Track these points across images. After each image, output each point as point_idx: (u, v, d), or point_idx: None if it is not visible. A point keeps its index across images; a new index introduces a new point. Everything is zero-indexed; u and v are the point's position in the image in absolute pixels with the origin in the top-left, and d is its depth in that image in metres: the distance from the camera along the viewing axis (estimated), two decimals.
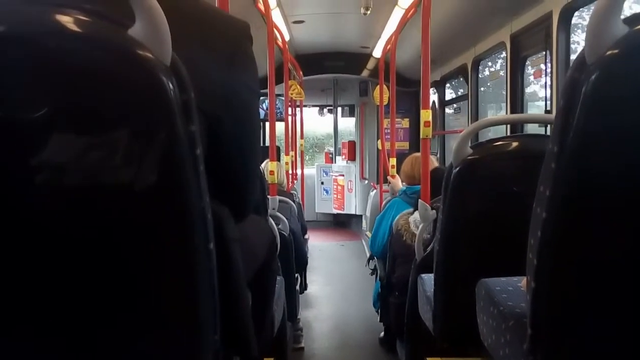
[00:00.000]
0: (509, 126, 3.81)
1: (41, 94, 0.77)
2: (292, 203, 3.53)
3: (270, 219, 2.18)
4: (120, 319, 0.86)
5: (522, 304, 1.17)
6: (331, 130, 9.13)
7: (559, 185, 0.91)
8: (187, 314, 0.88)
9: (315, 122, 9.86)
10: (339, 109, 8.89)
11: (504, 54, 4.20)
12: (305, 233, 4.01)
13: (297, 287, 3.48)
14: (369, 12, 4.39)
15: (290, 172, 5.09)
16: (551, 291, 0.96)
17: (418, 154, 3.42)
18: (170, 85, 0.79)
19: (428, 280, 2.03)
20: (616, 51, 0.83)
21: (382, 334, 3.52)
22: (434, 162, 3.12)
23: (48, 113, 0.77)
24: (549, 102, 3.35)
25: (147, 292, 0.86)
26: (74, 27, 0.77)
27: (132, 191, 0.80)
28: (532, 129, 3.61)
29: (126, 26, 0.78)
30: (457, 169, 1.66)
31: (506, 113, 4.09)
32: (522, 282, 1.28)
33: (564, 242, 0.93)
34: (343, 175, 8.42)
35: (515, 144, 1.74)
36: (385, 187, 4.80)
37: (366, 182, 8.19)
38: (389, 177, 4.32)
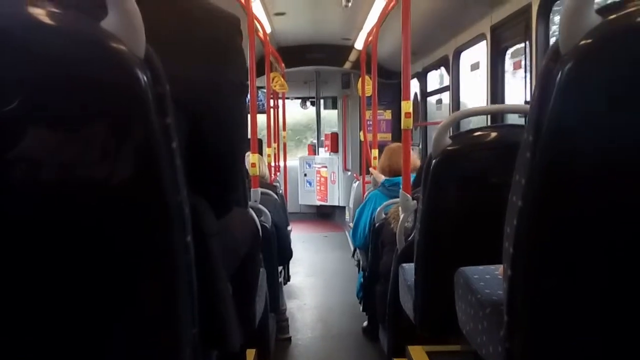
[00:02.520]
0: (489, 117, 3.84)
1: (12, 87, 0.75)
2: (275, 195, 3.52)
3: (252, 212, 2.17)
4: (96, 313, 0.85)
5: (499, 291, 1.18)
6: (311, 121, 9.11)
7: (534, 174, 0.92)
8: (164, 307, 0.88)
9: (297, 113, 9.83)
10: (322, 101, 8.88)
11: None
12: (287, 225, 4.01)
13: (281, 279, 3.49)
14: (350, 3, 4.38)
15: (272, 164, 5.08)
16: (527, 279, 0.97)
17: (394, 145, 3.43)
18: (144, 78, 0.78)
19: (409, 269, 2.04)
20: (589, 41, 0.83)
21: (365, 323, 3.55)
22: (415, 159, 3.12)
23: (20, 106, 0.75)
24: (528, 93, 3.38)
25: (124, 286, 0.85)
26: (46, 19, 0.76)
27: (107, 185, 0.80)
28: (513, 119, 3.65)
29: (99, 18, 0.77)
30: (437, 159, 1.67)
31: (486, 104, 4.11)
32: (500, 270, 1.30)
33: (539, 230, 0.94)
34: (326, 167, 8.43)
35: (494, 134, 1.75)
36: (367, 178, 4.81)
37: (349, 173, 8.20)
38: (371, 169, 4.33)
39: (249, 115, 2.95)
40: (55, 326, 0.85)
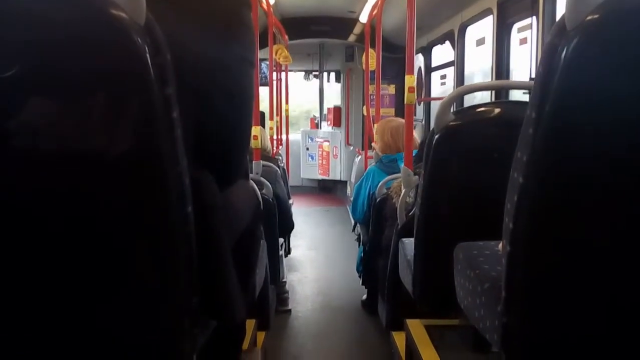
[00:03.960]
0: (494, 93, 3.81)
1: (11, 53, 0.75)
2: (277, 168, 3.52)
3: (254, 184, 2.18)
4: (97, 283, 0.86)
5: (498, 267, 1.19)
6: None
7: (536, 151, 0.91)
8: (164, 276, 0.88)
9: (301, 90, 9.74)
10: (325, 74, 8.81)
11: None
12: (289, 198, 4.02)
13: (282, 252, 3.51)
14: None
15: (275, 137, 5.06)
16: (526, 255, 0.97)
17: (395, 122, 3.41)
18: (145, 46, 0.77)
19: (409, 244, 2.05)
20: (596, 16, 0.82)
21: (364, 296, 3.57)
22: (416, 138, 3.11)
23: (18, 73, 0.75)
24: (534, 69, 3.34)
25: (124, 255, 0.86)
26: None
27: (106, 154, 0.80)
28: (517, 96, 3.62)
29: None
30: (439, 134, 1.66)
31: (491, 79, 4.08)
32: (499, 246, 1.30)
33: (540, 207, 0.94)
34: (328, 141, 8.40)
35: (497, 110, 1.75)
36: (370, 153, 4.80)
37: (351, 148, 8.18)
38: (373, 144, 4.32)
39: None
40: (56, 296, 0.86)
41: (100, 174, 0.81)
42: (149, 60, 0.78)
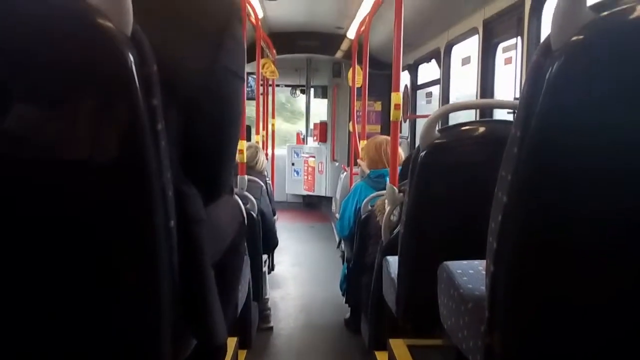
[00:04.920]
0: (478, 112, 3.84)
1: None
2: (262, 183, 3.51)
3: (238, 199, 2.16)
4: (77, 295, 0.84)
5: (481, 287, 1.18)
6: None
7: (520, 170, 0.91)
8: (144, 291, 0.87)
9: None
10: (312, 89, 8.84)
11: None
12: (274, 214, 4.00)
13: (265, 268, 3.48)
14: None
15: None
16: (509, 275, 0.97)
17: (380, 138, 3.43)
18: (131, 57, 0.76)
19: (393, 262, 2.04)
20: (581, 37, 0.83)
21: (347, 315, 3.55)
22: (401, 153, 3.13)
23: (2, 79, 0.74)
24: (518, 89, 3.38)
25: (103, 268, 0.84)
26: None
27: (89, 165, 0.78)
28: (501, 115, 3.65)
29: None
30: (424, 152, 1.66)
31: (476, 98, 4.11)
32: (483, 265, 1.30)
33: (523, 226, 0.94)
34: (314, 157, 8.41)
35: (482, 129, 1.75)
36: (355, 169, 4.80)
37: (337, 164, 8.19)
38: (359, 160, 4.32)
39: None
40: (33, 307, 0.84)
41: (82, 183, 0.80)
42: (135, 71, 0.77)
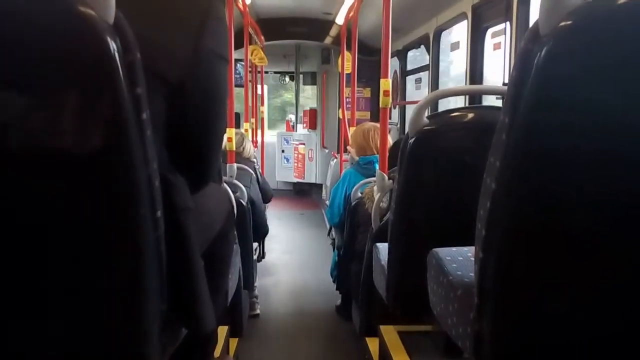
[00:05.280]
0: (467, 98, 3.84)
1: None
2: (252, 171, 3.49)
3: (227, 187, 2.15)
4: (61, 286, 0.83)
5: (470, 273, 1.19)
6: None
7: (509, 157, 0.91)
8: (132, 282, 0.86)
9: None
10: (301, 76, 8.81)
11: None
12: (269, 199, 3.98)
13: (255, 257, 3.47)
14: None
15: (250, 139, 5.03)
16: (498, 261, 0.97)
17: (367, 125, 3.42)
18: (114, 45, 0.75)
19: (383, 249, 2.04)
20: (569, 22, 0.83)
21: (338, 301, 3.56)
22: (390, 140, 3.13)
23: None
24: (507, 74, 3.38)
25: (90, 259, 0.83)
26: None
27: (73, 155, 0.78)
28: (492, 101, 3.65)
29: None
30: (413, 139, 1.66)
31: (465, 84, 4.11)
32: (472, 252, 1.30)
33: (512, 213, 0.94)
34: (304, 144, 8.39)
35: (471, 115, 1.75)
36: (345, 156, 4.80)
37: (327, 151, 8.18)
38: (348, 147, 4.32)
39: None
40: (18, 298, 0.83)
41: (67, 174, 0.79)
42: (118, 59, 0.76)
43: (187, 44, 0.95)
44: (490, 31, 3.87)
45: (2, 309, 0.83)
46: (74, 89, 0.77)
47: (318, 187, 8.09)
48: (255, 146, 6.13)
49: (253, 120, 5.98)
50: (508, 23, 3.33)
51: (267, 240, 4.17)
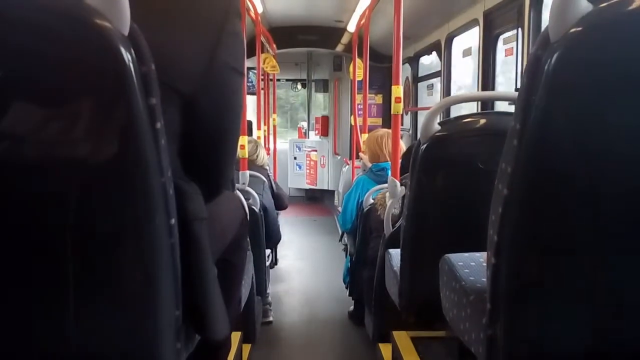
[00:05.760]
0: (479, 104, 3.83)
1: None
2: (265, 178, 3.51)
3: (240, 194, 2.16)
4: (77, 294, 0.84)
5: (483, 279, 1.19)
6: None
7: (520, 163, 0.91)
8: (146, 288, 0.87)
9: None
10: (313, 83, 8.83)
11: None
12: (285, 206, 3.99)
13: (268, 263, 3.48)
14: None
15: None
16: (510, 267, 0.97)
17: (380, 131, 3.43)
18: (128, 56, 0.77)
19: (395, 255, 2.04)
20: (579, 29, 0.83)
21: (351, 308, 3.56)
22: (402, 146, 3.13)
23: (2, 80, 0.74)
24: (519, 80, 3.37)
25: (106, 266, 0.84)
26: None
27: (89, 164, 0.79)
28: (504, 107, 3.64)
29: None
30: (425, 145, 1.66)
31: (477, 90, 4.10)
32: (484, 257, 1.30)
33: (524, 219, 0.94)
34: (316, 151, 8.40)
35: (483, 121, 1.75)
36: (357, 163, 4.80)
37: (339, 157, 8.19)
38: (360, 153, 4.32)
39: None
40: (35, 305, 0.85)
41: (83, 183, 0.80)
42: (133, 70, 0.77)
43: (202, 57, 0.95)
44: (502, 37, 3.87)
45: (22, 312, 0.85)
46: (89, 99, 0.78)
47: (330, 193, 8.09)
48: (268, 153, 6.16)
49: (265, 127, 6.01)
50: (519, 29, 3.33)
51: (279, 246, 4.18)
